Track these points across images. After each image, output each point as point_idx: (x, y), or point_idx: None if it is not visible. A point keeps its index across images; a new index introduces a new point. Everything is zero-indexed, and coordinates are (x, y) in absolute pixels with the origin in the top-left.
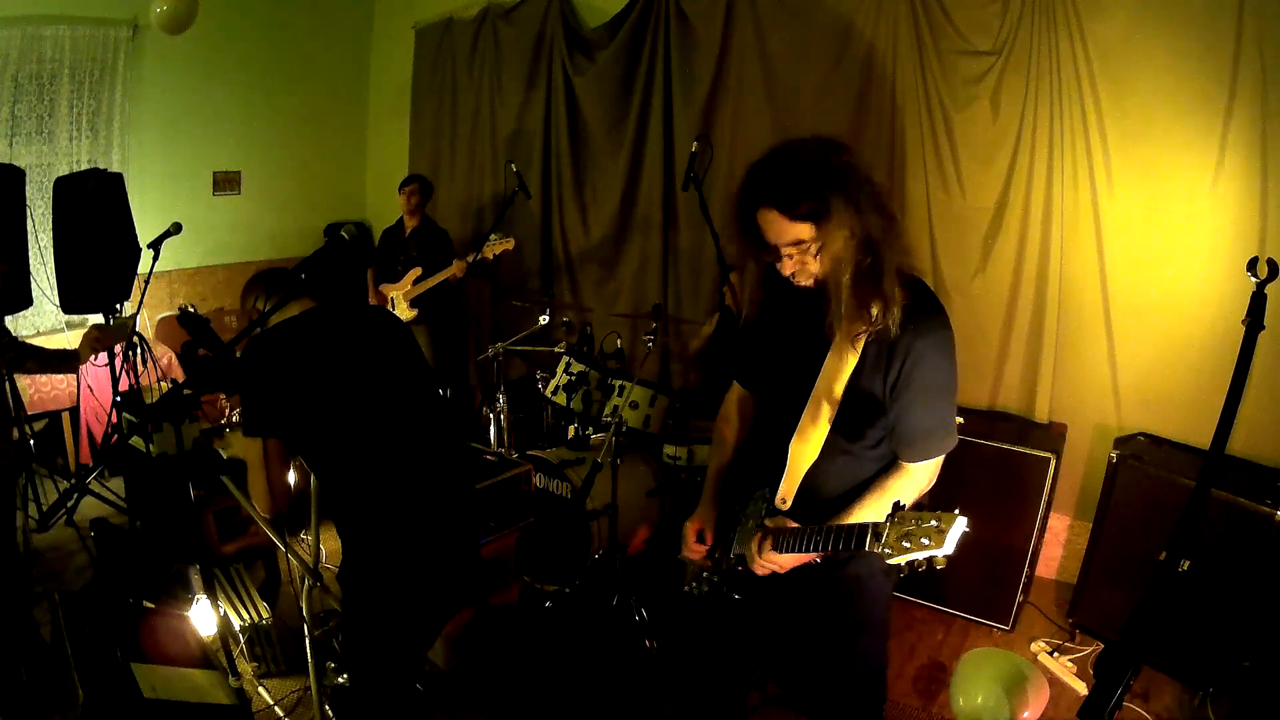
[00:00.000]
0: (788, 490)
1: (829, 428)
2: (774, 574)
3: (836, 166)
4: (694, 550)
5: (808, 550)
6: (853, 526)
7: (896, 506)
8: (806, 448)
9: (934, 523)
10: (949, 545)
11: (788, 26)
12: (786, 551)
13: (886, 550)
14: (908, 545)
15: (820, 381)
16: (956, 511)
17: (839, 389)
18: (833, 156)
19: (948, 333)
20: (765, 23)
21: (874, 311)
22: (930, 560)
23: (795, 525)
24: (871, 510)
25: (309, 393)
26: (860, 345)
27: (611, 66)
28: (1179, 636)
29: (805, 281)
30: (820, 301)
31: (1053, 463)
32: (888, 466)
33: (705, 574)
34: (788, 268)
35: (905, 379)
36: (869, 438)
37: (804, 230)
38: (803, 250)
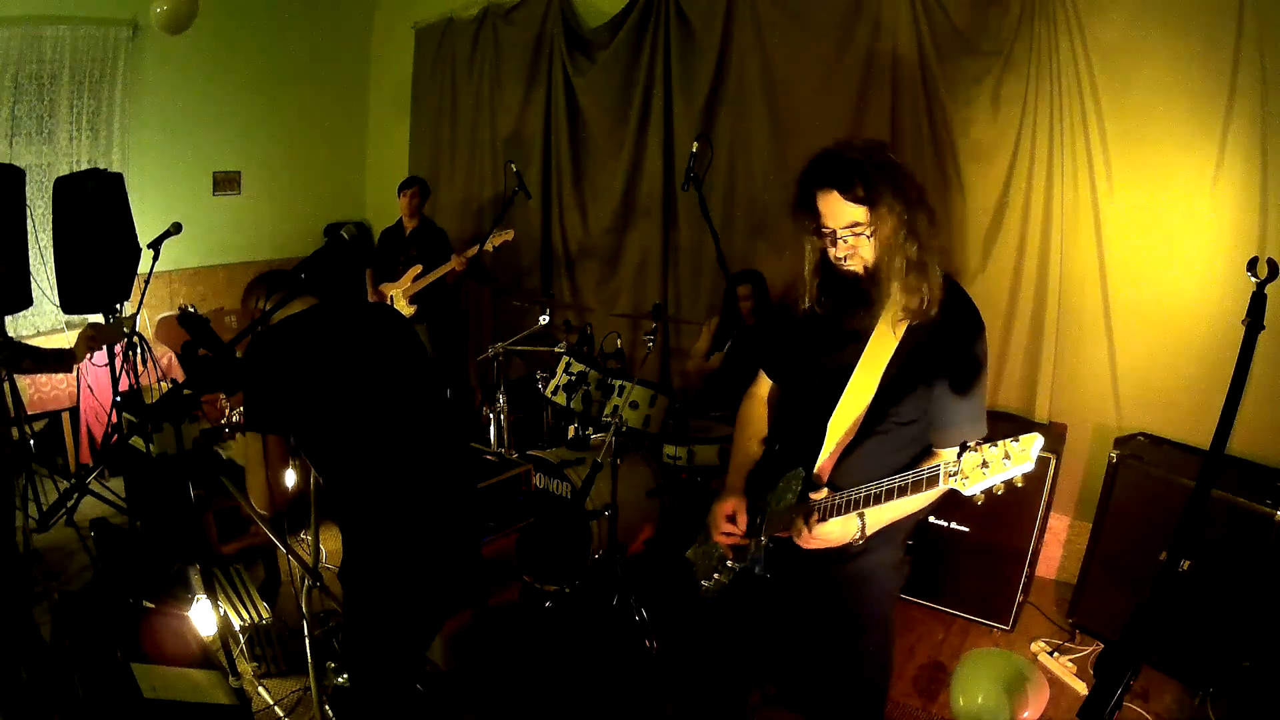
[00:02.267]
0: (825, 467)
1: (868, 406)
2: (805, 556)
3: (888, 161)
4: (726, 532)
5: (865, 507)
6: (920, 470)
7: (964, 446)
8: (845, 425)
9: (1014, 445)
10: (1031, 461)
11: (788, 26)
12: (841, 514)
13: (964, 480)
14: (988, 471)
15: (862, 363)
16: (1034, 432)
17: (880, 371)
18: (883, 153)
19: (983, 328)
20: (765, 23)
21: (919, 299)
22: (1009, 481)
23: (842, 492)
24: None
25: (313, 388)
26: (901, 331)
27: (611, 66)
28: (1179, 636)
29: (855, 266)
30: (859, 289)
31: (1053, 463)
32: (919, 454)
33: (729, 563)
34: (841, 250)
35: (944, 368)
36: (904, 418)
37: (859, 213)
38: (856, 234)
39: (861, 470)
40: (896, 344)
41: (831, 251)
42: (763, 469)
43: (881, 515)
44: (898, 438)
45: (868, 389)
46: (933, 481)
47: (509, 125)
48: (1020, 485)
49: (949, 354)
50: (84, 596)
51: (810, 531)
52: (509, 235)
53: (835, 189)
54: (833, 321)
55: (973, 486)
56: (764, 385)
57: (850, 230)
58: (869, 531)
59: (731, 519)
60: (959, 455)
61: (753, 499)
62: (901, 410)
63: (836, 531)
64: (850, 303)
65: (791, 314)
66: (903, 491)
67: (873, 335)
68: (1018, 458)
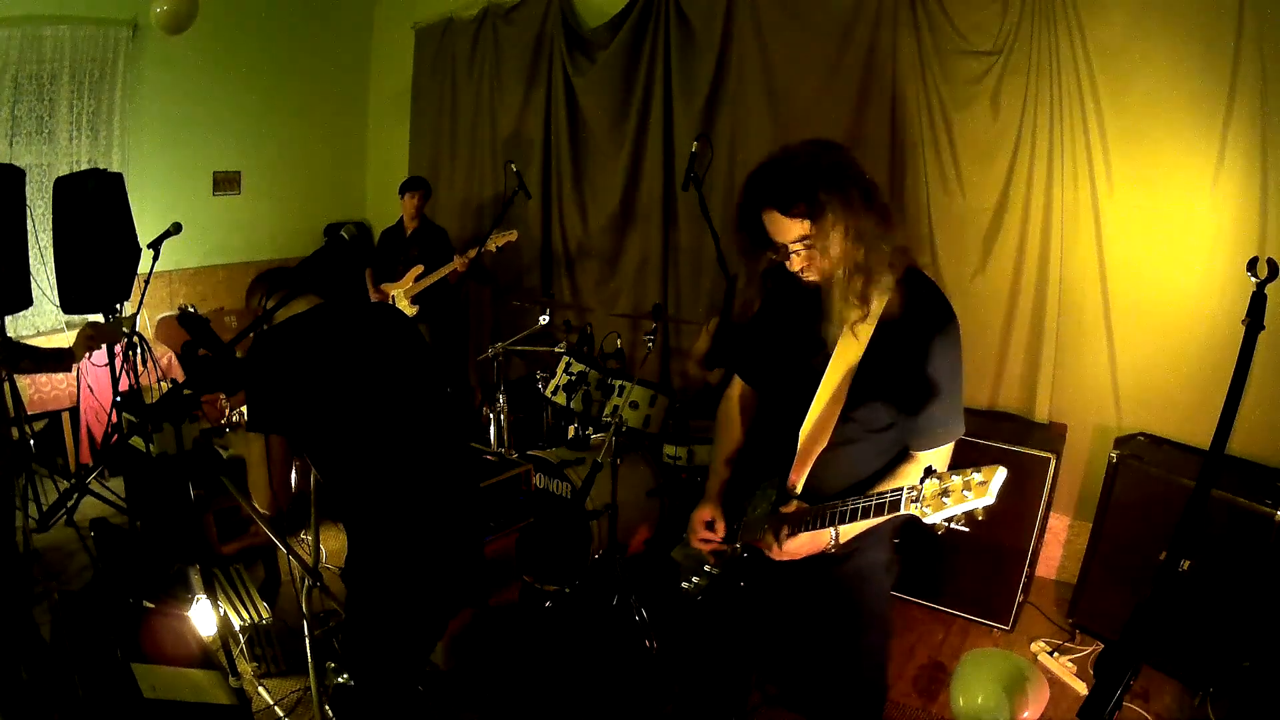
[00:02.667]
0: (798, 477)
1: (839, 415)
2: (781, 563)
3: (829, 165)
4: (704, 539)
5: (832, 525)
6: (883, 493)
7: (929, 470)
8: (817, 435)
9: (975, 475)
10: (991, 495)
11: (788, 26)
12: (809, 530)
13: (925, 509)
14: (948, 501)
15: (829, 371)
16: (997, 465)
17: (848, 378)
18: (825, 156)
19: (953, 322)
20: (765, 23)
21: (875, 302)
22: (970, 513)
23: (811, 507)
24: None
25: (317, 388)
26: (865, 336)
27: (611, 66)
28: (1179, 636)
29: (813, 277)
30: (821, 298)
31: (1053, 463)
32: (896, 457)
33: (706, 567)
34: (796, 264)
35: (913, 369)
36: (877, 424)
37: (803, 227)
38: (807, 246)
39: (835, 479)
40: (863, 351)
41: (788, 265)
42: (741, 475)
43: (855, 526)
44: (871, 445)
45: (837, 398)
46: (895, 506)
47: (509, 125)
48: (981, 519)
49: (916, 355)
50: (84, 596)
51: (779, 546)
52: (512, 236)
53: (774, 208)
54: (801, 329)
55: (933, 516)
56: (739, 386)
57: (801, 243)
58: (843, 539)
59: (710, 525)
60: (922, 479)
61: (733, 504)
62: (872, 417)
63: (806, 546)
64: (813, 312)
65: (762, 320)
66: (866, 514)
67: (839, 344)
68: (977, 491)
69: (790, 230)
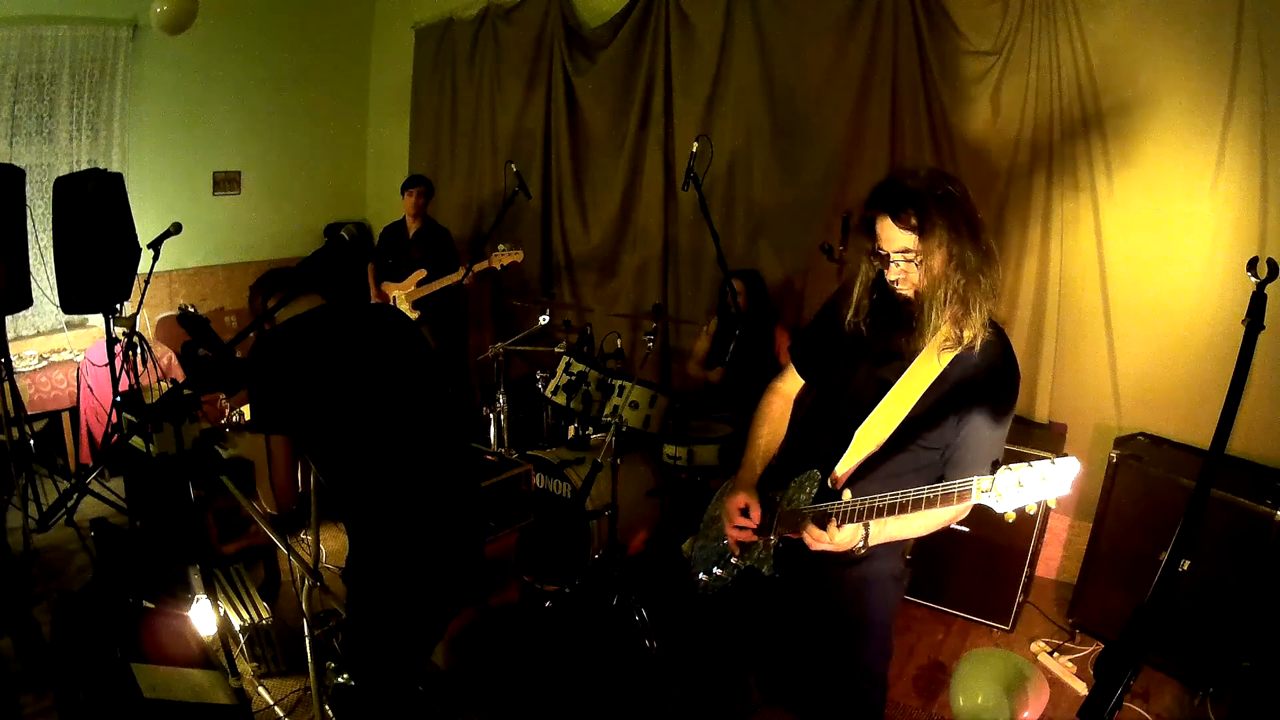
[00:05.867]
0: (844, 474)
1: (899, 424)
2: (812, 559)
3: (944, 192)
4: (739, 527)
5: (882, 516)
6: (950, 483)
7: (996, 464)
8: (873, 437)
9: (1051, 467)
10: (1066, 485)
11: (788, 26)
12: (856, 522)
13: (996, 499)
14: (1023, 491)
15: (902, 383)
16: (1069, 455)
17: (918, 393)
18: (944, 184)
19: (1018, 376)
20: (765, 22)
21: (964, 334)
22: (1042, 503)
23: (860, 499)
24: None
25: (319, 389)
26: (946, 362)
27: (612, 66)
28: (1179, 636)
29: (906, 290)
30: (907, 313)
31: None
32: (933, 482)
33: (732, 559)
34: (893, 274)
35: (977, 410)
36: (929, 444)
37: (909, 239)
38: (908, 259)
39: (879, 482)
40: (939, 372)
41: (886, 274)
42: (774, 467)
43: (888, 530)
44: (919, 459)
45: (902, 407)
46: (964, 495)
47: (509, 125)
48: (1053, 508)
49: (985, 398)
50: (84, 596)
51: (831, 538)
52: (518, 256)
53: (888, 214)
54: (877, 338)
55: (1006, 504)
56: (792, 383)
57: (902, 255)
58: (871, 543)
59: (745, 513)
60: (992, 472)
61: (761, 496)
62: (929, 435)
63: (848, 537)
64: (896, 324)
65: (837, 320)
66: (930, 503)
67: (918, 359)
68: (1054, 482)
69: (897, 239)
